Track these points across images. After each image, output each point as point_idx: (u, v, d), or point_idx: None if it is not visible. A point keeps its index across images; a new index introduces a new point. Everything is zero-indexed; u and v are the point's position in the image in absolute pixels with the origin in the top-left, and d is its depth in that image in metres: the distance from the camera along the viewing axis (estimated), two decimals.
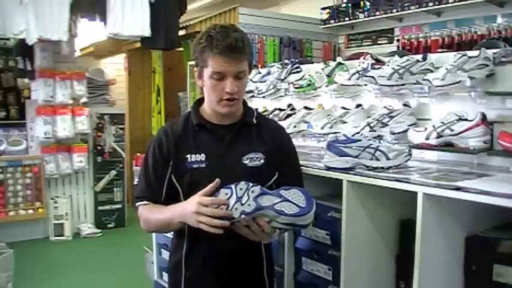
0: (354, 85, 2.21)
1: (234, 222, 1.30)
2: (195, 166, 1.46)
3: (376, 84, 1.99)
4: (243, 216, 1.29)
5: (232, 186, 1.32)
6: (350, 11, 4.73)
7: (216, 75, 1.40)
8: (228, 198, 1.30)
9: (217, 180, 1.35)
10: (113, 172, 5.25)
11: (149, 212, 1.50)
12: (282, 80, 2.64)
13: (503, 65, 1.73)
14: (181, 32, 5.08)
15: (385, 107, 2.06)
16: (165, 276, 2.60)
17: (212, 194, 1.34)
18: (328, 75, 2.39)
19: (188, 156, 1.47)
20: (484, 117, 1.69)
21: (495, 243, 1.45)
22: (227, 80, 1.40)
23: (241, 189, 1.31)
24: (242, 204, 1.29)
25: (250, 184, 1.32)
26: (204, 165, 1.46)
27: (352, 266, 1.61)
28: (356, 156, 1.64)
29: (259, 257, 1.57)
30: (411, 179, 1.45)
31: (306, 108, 2.48)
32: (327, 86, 2.37)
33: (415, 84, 1.92)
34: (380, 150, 1.63)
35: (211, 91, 1.44)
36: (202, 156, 1.47)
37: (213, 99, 1.45)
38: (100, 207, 5.19)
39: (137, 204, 1.54)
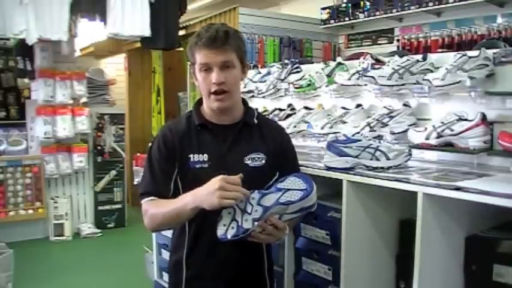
0: (354, 85, 2.21)
1: (251, 233, 1.29)
2: (197, 166, 1.46)
3: (376, 84, 1.99)
4: (256, 223, 1.28)
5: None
6: (350, 11, 4.72)
7: (203, 67, 1.43)
8: (234, 215, 1.30)
9: (240, 174, 1.33)
10: (113, 172, 5.25)
11: (156, 206, 1.45)
12: (282, 80, 2.64)
13: (503, 65, 1.73)
14: (181, 32, 5.08)
15: (385, 107, 2.06)
16: (165, 276, 2.60)
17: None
18: (328, 75, 2.39)
19: (191, 156, 1.47)
20: (484, 117, 1.69)
21: (495, 243, 1.45)
22: (213, 71, 1.41)
23: (241, 201, 1.31)
24: (250, 214, 1.29)
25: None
26: (206, 165, 1.46)
27: (352, 266, 1.61)
28: (356, 156, 1.64)
29: (261, 257, 1.57)
30: (411, 179, 1.45)
31: (306, 108, 2.48)
32: (327, 86, 2.37)
33: (415, 84, 1.92)
34: (380, 150, 1.63)
35: (201, 85, 1.46)
36: (204, 157, 1.47)
37: (204, 94, 1.47)
38: (100, 207, 5.19)
39: (142, 200, 1.49)
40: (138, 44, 5.09)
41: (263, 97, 2.76)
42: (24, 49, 4.71)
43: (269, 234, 1.33)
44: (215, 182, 1.29)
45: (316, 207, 1.42)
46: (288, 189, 1.34)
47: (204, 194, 1.30)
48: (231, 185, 1.28)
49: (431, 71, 1.90)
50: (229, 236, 1.29)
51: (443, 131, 1.75)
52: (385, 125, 1.97)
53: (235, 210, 1.31)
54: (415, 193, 1.35)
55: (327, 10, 4.95)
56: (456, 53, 1.85)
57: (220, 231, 1.31)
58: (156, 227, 1.51)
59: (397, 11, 4.25)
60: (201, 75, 1.44)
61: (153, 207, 1.45)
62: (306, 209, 1.36)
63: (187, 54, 1.50)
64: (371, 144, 1.64)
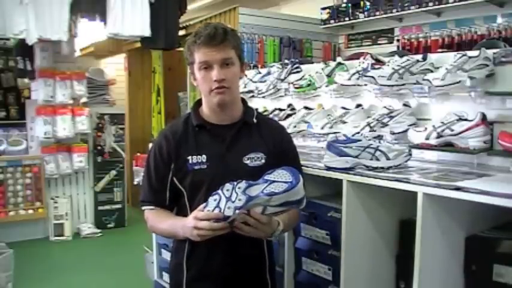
0: (354, 85, 2.21)
1: (232, 221, 1.30)
2: (196, 167, 1.46)
3: (376, 84, 1.99)
4: (237, 211, 1.28)
5: (219, 191, 1.33)
6: (350, 11, 4.72)
7: (203, 65, 1.42)
8: (218, 203, 1.31)
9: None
10: (113, 172, 5.25)
11: (155, 219, 1.53)
12: (282, 80, 2.64)
13: (503, 65, 1.73)
14: (181, 32, 5.08)
15: (385, 107, 2.06)
16: (165, 276, 2.61)
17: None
18: (328, 75, 2.39)
19: (189, 157, 1.47)
20: (484, 117, 1.69)
21: (495, 243, 1.45)
22: (214, 69, 1.41)
23: (227, 190, 1.32)
24: (233, 202, 1.29)
25: (235, 182, 1.33)
26: (205, 166, 1.46)
27: (352, 266, 1.61)
28: (356, 156, 1.64)
29: (262, 257, 1.57)
30: (411, 179, 1.45)
31: (306, 108, 2.48)
32: (327, 86, 2.37)
33: (415, 84, 1.91)
34: (380, 150, 1.63)
35: (201, 84, 1.46)
36: (203, 157, 1.47)
37: (205, 92, 1.47)
38: (100, 207, 5.19)
39: (143, 208, 1.56)
40: (138, 44, 5.08)
41: (263, 97, 2.76)
42: (24, 49, 4.70)
43: (255, 228, 1.33)
44: (190, 221, 1.35)
45: (304, 204, 1.41)
46: (274, 181, 1.33)
47: (188, 230, 1.36)
48: (204, 224, 1.30)
49: (431, 71, 1.90)
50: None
51: (443, 131, 1.75)
52: (385, 125, 1.97)
53: (220, 197, 1.31)
54: (415, 193, 1.35)
55: (327, 10, 4.95)
56: (456, 53, 1.85)
57: None
58: (158, 235, 1.56)
59: (397, 11, 4.25)
60: (201, 74, 1.44)
61: (153, 218, 1.53)
62: (292, 203, 1.34)
63: (185, 54, 1.49)
64: (371, 144, 1.64)
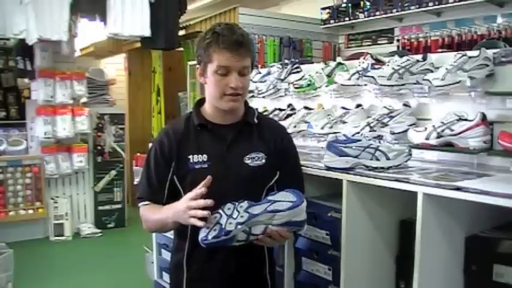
0: (354, 85, 2.21)
1: (233, 236, 1.29)
2: (197, 167, 1.46)
3: (376, 84, 1.99)
4: (239, 226, 1.28)
5: (219, 210, 1.33)
6: (350, 11, 4.72)
7: (221, 70, 1.40)
8: (218, 220, 1.30)
9: (209, 177, 1.34)
10: (113, 172, 5.25)
11: (149, 212, 1.51)
12: (282, 80, 2.64)
13: (503, 65, 1.73)
14: (181, 32, 5.08)
15: (385, 107, 2.06)
16: (165, 276, 2.61)
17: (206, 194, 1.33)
18: (328, 75, 2.39)
19: (190, 156, 1.47)
20: (484, 117, 1.69)
21: (495, 243, 1.45)
22: (232, 75, 1.41)
23: (229, 208, 1.32)
24: (235, 219, 1.29)
25: (237, 202, 1.33)
26: (206, 165, 1.46)
27: (352, 266, 1.61)
28: (356, 156, 1.64)
29: (262, 257, 1.57)
30: (411, 179, 1.45)
31: (306, 108, 2.48)
32: (327, 86, 2.37)
33: (415, 84, 1.92)
34: (380, 150, 1.63)
35: (215, 87, 1.44)
36: (204, 157, 1.47)
37: (217, 95, 1.45)
38: (100, 207, 5.19)
39: (139, 204, 1.55)
40: (138, 44, 5.08)
41: (263, 97, 2.76)
42: (24, 49, 4.71)
43: (276, 241, 1.37)
44: (183, 201, 1.35)
45: (305, 229, 1.44)
46: (277, 201, 1.34)
47: (179, 211, 1.35)
48: (196, 203, 1.30)
49: (431, 71, 1.90)
50: (209, 237, 1.29)
51: (443, 131, 1.75)
52: (385, 125, 1.97)
53: (221, 215, 1.31)
54: (415, 193, 1.35)
55: (327, 10, 4.95)
56: (456, 53, 1.85)
57: (201, 234, 1.31)
58: (152, 230, 1.61)
59: (397, 11, 4.25)
60: (215, 77, 1.42)
61: (147, 213, 1.52)
62: (294, 224, 1.35)
63: (199, 50, 1.45)
64: (371, 144, 1.64)
